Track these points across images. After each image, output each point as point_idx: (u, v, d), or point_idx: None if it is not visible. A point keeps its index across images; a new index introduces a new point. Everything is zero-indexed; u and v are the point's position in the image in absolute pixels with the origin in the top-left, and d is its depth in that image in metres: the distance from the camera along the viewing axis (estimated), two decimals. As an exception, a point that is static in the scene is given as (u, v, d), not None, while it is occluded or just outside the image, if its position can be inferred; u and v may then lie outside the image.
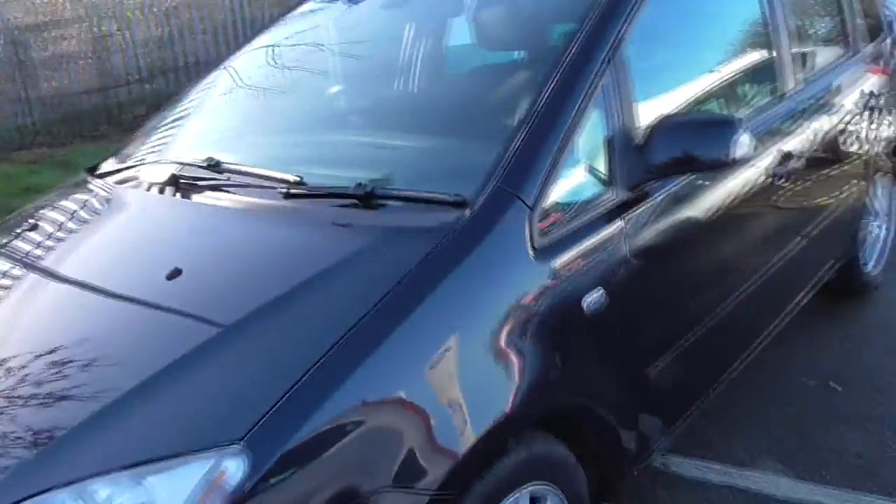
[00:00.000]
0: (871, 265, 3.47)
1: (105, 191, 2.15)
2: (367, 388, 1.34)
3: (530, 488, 1.60)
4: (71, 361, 1.49)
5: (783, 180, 2.40)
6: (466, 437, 1.43)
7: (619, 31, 1.87)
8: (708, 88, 2.24)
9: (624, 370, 1.82)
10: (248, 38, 2.85)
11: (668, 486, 2.34)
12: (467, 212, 1.58)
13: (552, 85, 1.76)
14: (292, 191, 1.77)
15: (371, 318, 1.39)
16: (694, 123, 1.89)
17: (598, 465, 1.80)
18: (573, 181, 1.74)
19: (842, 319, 3.27)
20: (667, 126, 1.82)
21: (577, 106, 1.73)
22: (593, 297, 1.67)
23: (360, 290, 1.47)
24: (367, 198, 1.68)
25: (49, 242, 1.99)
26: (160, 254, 1.77)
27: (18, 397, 1.43)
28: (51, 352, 1.53)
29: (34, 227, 2.08)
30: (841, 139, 2.88)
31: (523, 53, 2.27)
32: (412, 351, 1.41)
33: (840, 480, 2.29)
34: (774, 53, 2.51)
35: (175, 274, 1.62)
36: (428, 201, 1.65)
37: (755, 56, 2.50)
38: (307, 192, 1.77)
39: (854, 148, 3.01)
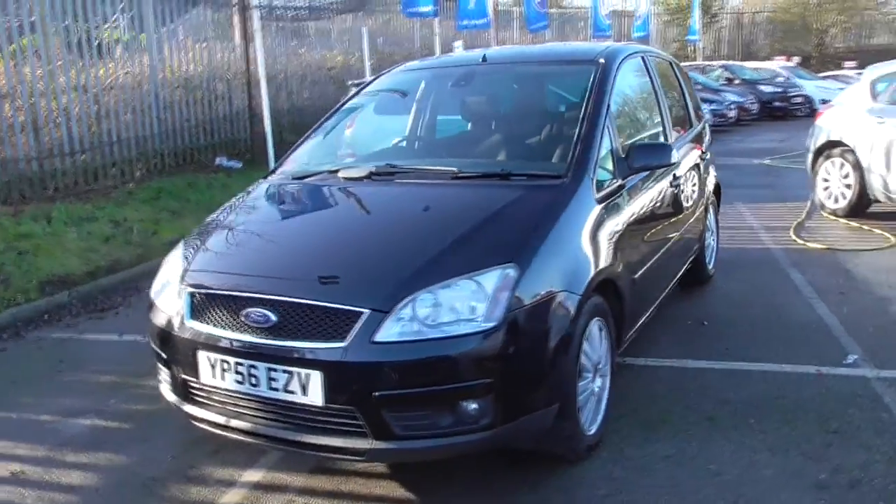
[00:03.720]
0: (711, 265, 5.47)
1: (327, 183, 3.57)
2: (551, 245, 2.87)
3: (597, 319, 3.16)
4: (411, 232, 2.97)
5: (675, 189, 4.24)
6: (587, 277, 2.98)
7: (608, 96, 3.60)
8: (641, 131, 4.05)
9: (626, 270, 3.45)
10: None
11: (628, 371, 3.98)
12: (564, 180, 3.20)
13: (587, 123, 3.44)
14: (460, 174, 3.30)
15: (543, 219, 2.94)
16: (653, 145, 3.66)
17: (616, 321, 3.39)
18: (600, 171, 3.40)
19: (699, 293, 5.20)
20: (639, 146, 3.57)
21: (600, 133, 3.42)
22: (617, 224, 3.32)
23: (528, 210, 3.02)
24: (506, 175, 3.26)
25: (322, 203, 3.40)
26: (411, 202, 3.22)
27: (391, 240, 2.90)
28: (396, 225, 3.04)
29: (295, 196, 3.48)
30: (695, 183, 4.82)
31: (566, 108, 3.96)
32: (560, 234, 2.96)
33: (717, 356, 4.10)
34: (664, 118, 4.40)
35: (427, 209, 3.10)
36: (540, 176, 3.26)
37: (656, 117, 4.37)
38: (470, 174, 3.31)
39: (699, 188, 4.98)
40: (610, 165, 3.48)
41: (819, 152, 7.83)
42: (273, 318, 2.71)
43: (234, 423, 2.86)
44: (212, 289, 2.94)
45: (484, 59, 4.18)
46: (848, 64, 24.58)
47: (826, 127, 7.81)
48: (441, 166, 3.46)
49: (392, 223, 3.13)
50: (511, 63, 4.38)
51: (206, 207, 8.27)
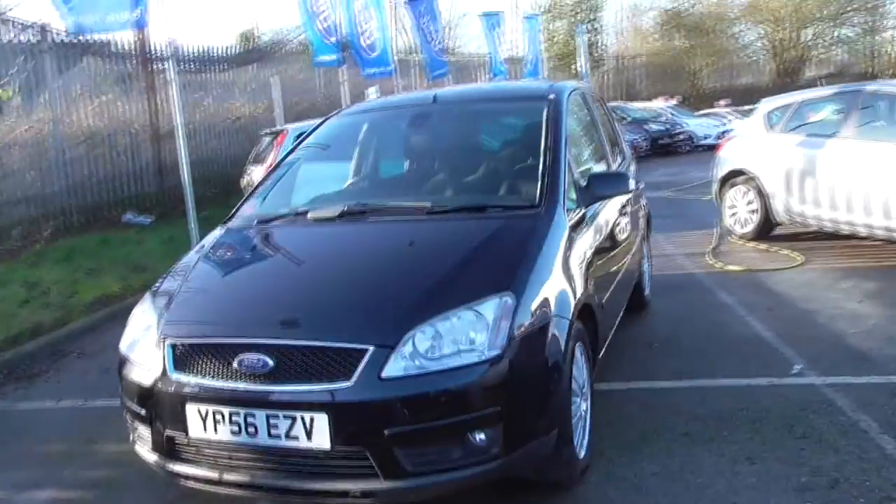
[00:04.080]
0: (647, 290, 5.69)
1: (297, 225, 3.52)
2: (539, 272, 2.93)
3: (579, 343, 3.22)
4: (399, 267, 2.97)
5: (623, 217, 4.41)
6: (573, 302, 3.05)
7: (565, 128, 3.74)
8: (590, 161, 4.21)
9: (596, 295, 3.55)
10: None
11: (599, 395, 4.06)
12: (539, 210, 3.28)
13: (551, 154, 3.55)
14: (435, 209, 3.33)
15: (527, 248, 3.00)
16: (612, 174, 3.81)
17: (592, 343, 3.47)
18: (568, 201, 3.50)
19: (641, 317, 5.39)
20: (599, 175, 3.71)
21: (564, 163, 3.54)
22: (586, 250, 3.42)
23: (512, 240, 3.08)
24: (482, 208, 3.32)
25: (298, 243, 3.33)
26: (391, 239, 3.20)
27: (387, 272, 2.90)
28: (382, 260, 3.04)
29: (268, 239, 3.44)
30: (635, 211, 5.03)
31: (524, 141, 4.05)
32: (545, 262, 3.03)
33: (675, 375, 4.25)
34: (605, 148, 4.59)
35: (412, 244, 3.10)
36: (515, 207, 3.33)
37: (598, 147, 4.55)
38: (444, 209, 3.34)
39: (638, 217, 5.20)
40: (574, 195, 3.60)
41: (724, 181, 8.33)
42: (270, 362, 2.63)
43: (229, 476, 2.74)
44: (196, 338, 2.83)
45: (435, 98, 4.26)
46: (721, 102, 26.46)
47: (729, 157, 8.33)
48: (413, 202, 3.47)
49: (379, 259, 3.11)
50: (464, 101, 4.49)
51: (125, 265, 7.95)
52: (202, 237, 8.18)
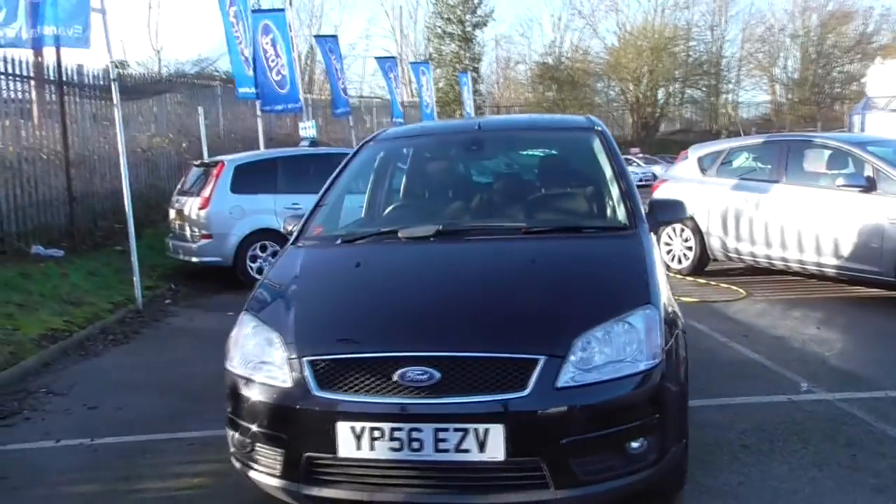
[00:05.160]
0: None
1: (389, 244, 3.49)
2: (659, 286, 3.05)
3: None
4: (532, 282, 3.01)
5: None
6: (679, 314, 3.20)
7: (621, 156, 3.94)
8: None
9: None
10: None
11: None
12: (631, 231, 3.43)
13: (623, 180, 3.72)
14: (531, 229, 3.41)
15: (644, 264, 3.13)
16: (672, 201, 4.02)
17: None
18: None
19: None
20: (660, 202, 3.91)
21: (635, 188, 3.72)
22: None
23: (624, 257, 3.20)
24: (577, 229, 3.43)
25: (406, 260, 3.28)
26: (506, 256, 3.22)
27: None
28: (511, 276, 3.06)
29: (369, 256, 3.39)
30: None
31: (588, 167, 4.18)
32: (659, 277, 3.16)
33: (699, 395, 4.47)
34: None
35: (533, 261, 3.14)
36: (608, 228, 3.47)
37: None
38: (540, 229, 3.42)
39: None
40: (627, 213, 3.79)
41: (659, 221, 8.88)
42: (437, 375, 2.59)
43: (381, 496, 2.64)
44: (343, 354, 2.73)
45: (479, 126, 4.34)
46: (633, 149, 28.83)
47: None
48: (507, 223, 3.53)
49: (507, 275, 3.12)
50: (512, 129, 4.59)
51: (56, 300, 7.37)
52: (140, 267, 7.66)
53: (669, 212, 3.89)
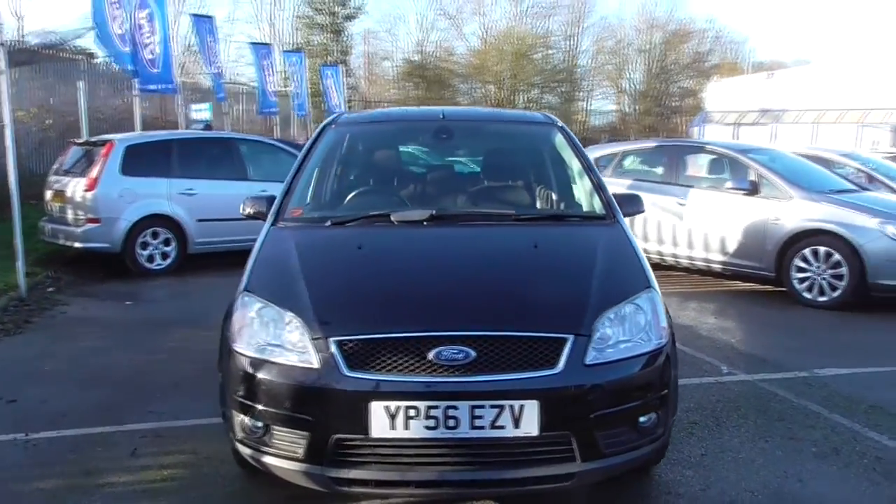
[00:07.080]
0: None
1: (382, 227, 3.45)
2: (647, 269, 3.25)
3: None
4: (541, 265, 3.11)
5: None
6: None
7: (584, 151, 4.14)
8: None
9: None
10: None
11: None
12: (612, 220, 3.61)
13: (592, 173, 3.91)
14: (521, 216, 3.51)
15: (634, 250, 3.32)
16: (632, 195, 4.25)
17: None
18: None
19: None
20: (625, 196, 4.12)
21: (604, 183, 3.93)
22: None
23: (614, 244, 3.37)
24: (561, 217, 3.57)
25: (409, 243, 3.29)
26: (508, 241, 3.29)
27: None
28: (519, 260, 3.12)
29: (367, 238, 3.34)
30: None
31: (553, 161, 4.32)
32: (646, 263, 3.36)
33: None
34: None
35: (536, 245, 3.23)
36: (589, 217, 3.64)
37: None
38: (528, 216, 3.53)
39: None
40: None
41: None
42: (472, 353, 2.63)
43: (412, 475, 2.65)
44: (372, 334, 2.70)
45: (443, 115, 4.38)
46: None
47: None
48: (496, 209, 3.61)
49: (516, 259, 3.20)
50: (476, 120, 4.65)
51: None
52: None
53: (631, 206, 4.12)
